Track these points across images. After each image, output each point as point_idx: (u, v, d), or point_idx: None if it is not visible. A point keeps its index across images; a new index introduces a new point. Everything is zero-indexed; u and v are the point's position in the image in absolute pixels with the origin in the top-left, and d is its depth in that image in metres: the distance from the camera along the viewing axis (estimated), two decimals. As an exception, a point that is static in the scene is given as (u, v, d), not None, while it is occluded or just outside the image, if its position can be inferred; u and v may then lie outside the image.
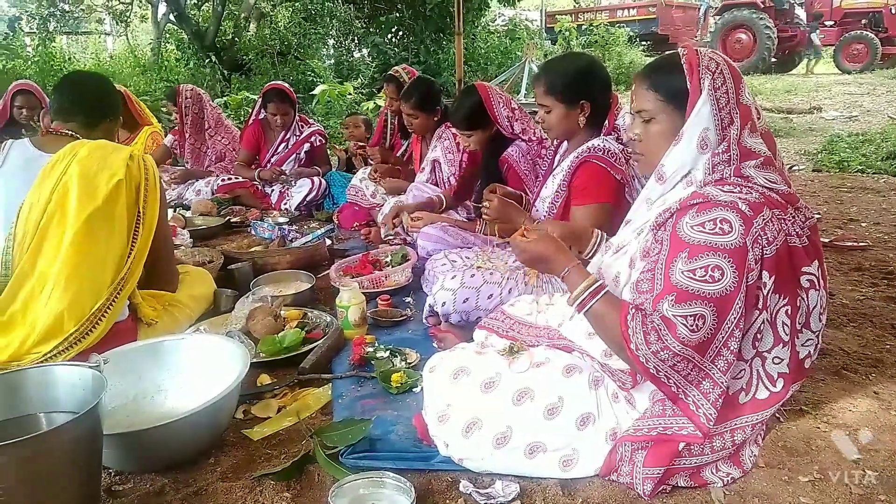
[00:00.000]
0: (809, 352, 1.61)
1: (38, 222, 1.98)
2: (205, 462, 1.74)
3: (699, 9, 18.58)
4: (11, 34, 10.96)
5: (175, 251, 3.01)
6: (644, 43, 16.83)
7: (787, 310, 1.53)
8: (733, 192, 1.47)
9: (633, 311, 1.44)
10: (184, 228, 3.92)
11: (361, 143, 4.62)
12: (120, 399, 1.88)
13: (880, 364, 2.16)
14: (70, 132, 2.20)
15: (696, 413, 1.46)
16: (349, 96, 9.64)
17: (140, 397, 1.94)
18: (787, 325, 1.53)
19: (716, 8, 17.31)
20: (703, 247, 1.41)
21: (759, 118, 1.58)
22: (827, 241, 3.52)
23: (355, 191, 4.08)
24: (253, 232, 3.75)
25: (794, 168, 5.84)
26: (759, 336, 1.51)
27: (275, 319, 2.44)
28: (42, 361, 1.90)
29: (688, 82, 1.53)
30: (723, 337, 1.43)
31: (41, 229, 1.98)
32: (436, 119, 3.71)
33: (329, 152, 5.29)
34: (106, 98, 2.36)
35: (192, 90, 4.98)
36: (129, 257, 2.08)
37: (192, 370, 1.99)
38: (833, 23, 15.33)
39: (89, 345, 1.98)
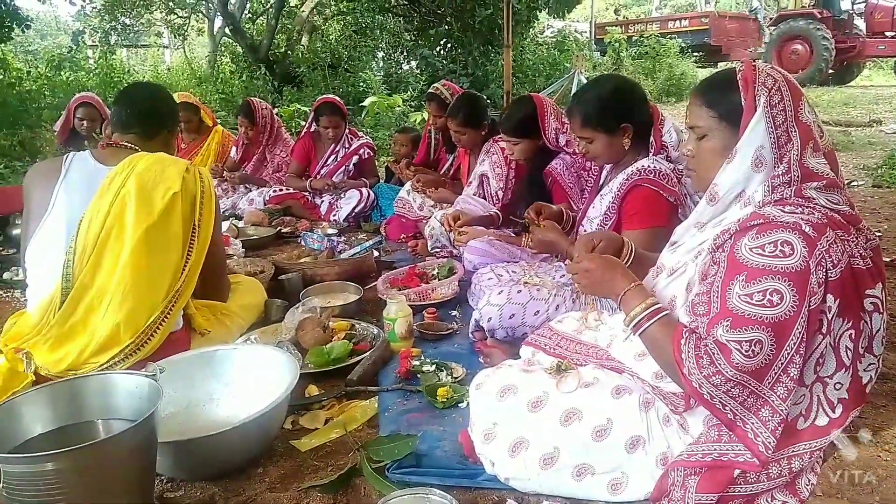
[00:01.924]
0: (871, 376, 1.55)
1: (98, 236, 2.02)
2: (254, 471, 1.77)
3: (755, 19, 18.25)
4: (75, 47, 11.40)
5: (227, 261, 3.09)
6: (696, 54, 16.57)
7: (851, 334, 1.48)
8: (795, 213, 1.43)
9: (687, 334, 1.41)
10: (236, 238, 4.01)
11: (409, 161, 4.64)
12: (173, 406, 1.93)
13: (946, 392, 2.07)
14: (129, 144, 2.25)
15: (754, 441, 1.41)
16: (398, 108, 9.73)
17: (193, 405, 1.98)
18: (850, 350, 1.48)
19: (771, 18, 16.97)
20: (761, 270, 1.37)
21: (821, 136, 1.53)
22: (888, 260, 3.39)
23: (403, 203, 4.10)
24: (303, 243, 3.81)
25: (853, 183, 5.64)
26: (821, 361, 1.46)
27: (323, 330, 2.47)
28: (99, 370, 1.95)
29: (742, 99, 1.50)
30: (782, 363, 1.38)
31: (100, 243, 2.02)
32: (483, 133, 3.72)
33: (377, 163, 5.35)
34: (162, 108, 2.40)
35: (265, 105, 5.12)
36: (183, 270, 2.13)
37: (243, 379, 2.02)
38: (894, 33, 14.84)
39: (145, 356, 2.03)
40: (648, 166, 2.22)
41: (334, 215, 4.62)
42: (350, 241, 3.98)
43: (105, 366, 1.98)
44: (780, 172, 1.48)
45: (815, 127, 1.52)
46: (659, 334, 1.47)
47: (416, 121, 8.98)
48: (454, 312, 2.86)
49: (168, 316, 2.09)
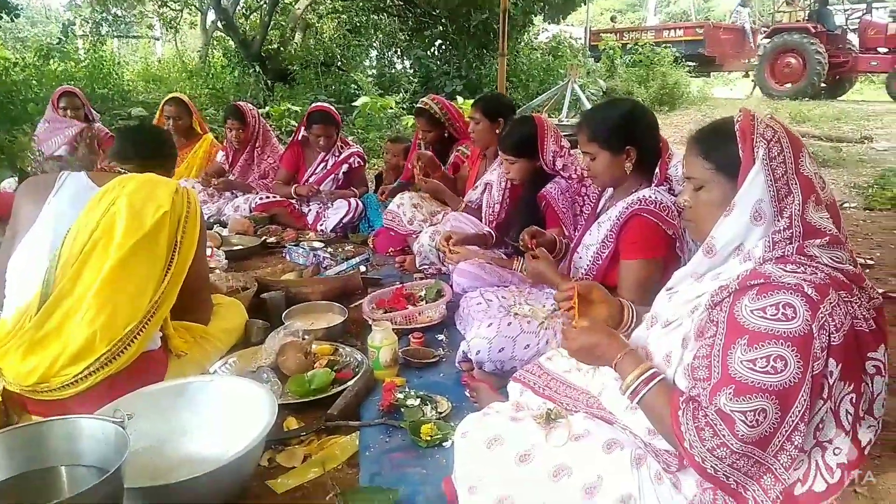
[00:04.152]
0: (871, 438, 1.49)
1: (83, 246, 2.00)
2: (227, 515, 1.70)
3: (743, 31, 18.33)
4: (64, 38, 11.22)
5: (210, 276, 3.01)
6: (690, 64, 16.58)
7: (852, 398, 1.42)
8: (797, 273, 1.37)
9: (685, 404, 1.35)
10: (219, 248, 3.92)
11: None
12: (145, 441, 1.84)
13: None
14: (124, 171, 2.27)
15: (754, 509, 1.36)
16: (390, 110, 9.64)
17: (166, 439, 1.90)
18: (850, 414, 1.42)
19: (766, 29, 17.03)
20: (764, 334, 1.31)
21: (823, 189, 1.48)
22: (882, 291, 3.35)
23: (392, 216, 4.02)
24: (287, 257, 3.72)
25: (845, 204, 5.62)
26: (820, 426, 1.40)
27: (305, 356, 2.39)
28: (72, 381, 1.92)
29: (740, 150, 1.44)
30: (786, 431, 1.32)
31: (85, 254, 2.00)
32: (497, 132, 3.63)
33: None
34: (162, 149, 2.50)
35: (252, 109, 5.02)
36: (163, 282, 2.09)
37: (218, 412, 1.95)
38: (887, 50, 14.92)
39: (119, 367, 1.98)
40: (649, 197, 2.17)
41: (321, 225, 4.54)
42: (336, 254, 3.90)
43: (78, 376, 1.92)
44: (782, 227, 1.42)
45: (816, 179, 1.46)
46: (656, 402, 1.41)
47: (407, 125, 8.91)
48: (441, 337, 2.79)
49: (145, 328, 2.04)
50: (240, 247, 4.07)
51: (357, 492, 1.67)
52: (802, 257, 1.40)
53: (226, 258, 3.68)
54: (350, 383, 2.26)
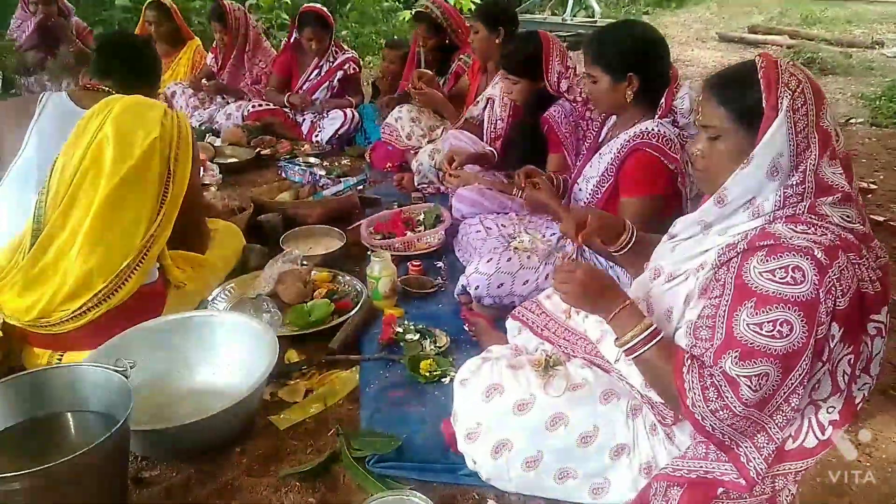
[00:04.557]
0: (864, 395, 1.52)
1: (72, 178, 1.95)
2: (232, 450, 1.74)
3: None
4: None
5: (205, 193, 2.97)
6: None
7: (850, 359, 1.43)
8: (807, 234, 1.34)
9: (689, 361, 1.35)
10: (213, 160, 3.84)
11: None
12: (145, 374, 1.86)
13: (929, 384, 2.07)
14: (106, 88, 2.16)
15: (746, 466, 1.39)
16: (385, 3, 9.22)
17: (166, 373, 1.93)
18: (846, 374, 1.44)
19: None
20: (772, 297, 1.30)
21: (838, 142, 1.42)
22: (882, 219, 3.34)
23: (390, 130, 3.91)
24: (283, 174, 3.64)
25: (851, 120, 5.50)
26: (816, 386, 1.42)
27: (304, 285, 2.39)
28: (71, 317, 1.91)
29: (764, 100, 1.37)
30: (785, 393, 1.34)
31: (74, 186, 1.95)
32: (497, 41, 3.47)
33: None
34: (145, 63, 2.35)
35: (238, 8, 4.76)
36: (158, 215, 2.05)
37: (220, 346, 1.97)
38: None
39: (118, 302, 1.97)
40: (651, 129, 2.10)
41: (317, 135, 4.43)
42: (332, 170, 3.82)
43: (77, 311, 1.92)
44: (795, 182, 1.37)
45: (833, 133, 1.41)
46: (657, 360, 1.41)
47: (404, 19, 8.53)
48: (439, 264, 2.79)
49: (142, 262, 2.01)
50: (234, 159, 3.98)
51: (360, 435, 1.70)
52: (813, 216, 1.37)
53: (220, 172, 3.61)
54: (350, 315, 2.27)
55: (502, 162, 3.21)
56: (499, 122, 3.34)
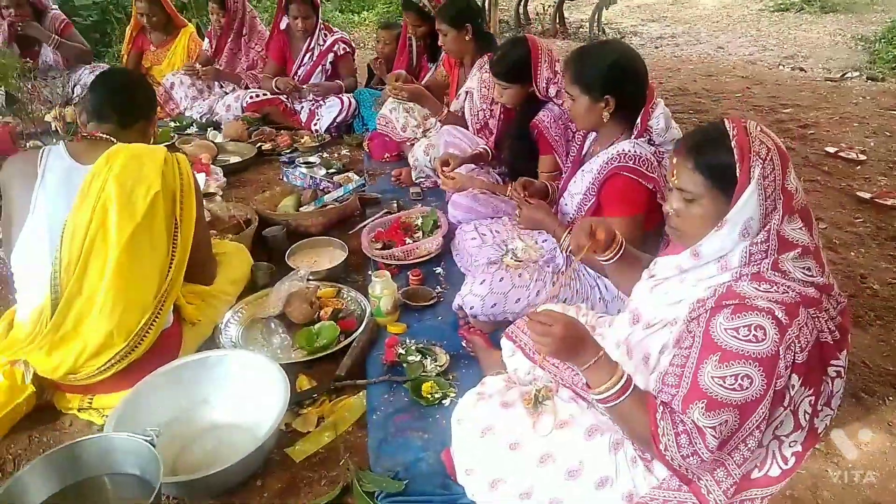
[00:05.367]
0: (826, 424, 1.66)
1: (83, 245, 2.03)
2: (252, 485, 1.91)
3: None
4: None
5: (211, 204, 3.07)
6: None
7: (811, 399, 1.56)
8: (770, 293, 1.45)
9: (662, 408, 1.49)
10: (216, 159, 3.94)
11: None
12: (171, 413, 2.04)
13: (900, 382, 2.20)
14: (105, 136, 2.19)
15: (706, 497, 1.55)
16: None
17: (188, 408, 2.09)
18: (808, 413, 1.57)
19: None
20: (734, 353, 1.43)
21: (798, 197, 1.52)
22: (868, 196, 3.40)
23: (385, 121, 3.97)
24: (285, 179, 3.73)
25: (847, 76, 5.46)
26: (779, 425, 1.56)
27: (310, 306, 2.53)
28: (96, 373, 2.06)
29: (737, 168, 1.47)
30: (742, 436, 1.48)
31: (85, 252, 2.03)
32: (466, 38, 3.52)
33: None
34: (140, 98, 2.35)
35: None
36: (169, 268, 2.15)
37: (235, 382, 2.12)
38: None
39: (139, 355, 2.10)
40: (628, 151, 2.19)
41: (315, 124, 4.49)
42: (332, 164, 3.90)
43: (102, 367, 2.05)
44: (760, 241, 1.48)
45: (795, 191, 1.51)
46: (629, 409, 1.54)
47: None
48: (438, 270, 2.91)
49: (159, 315, 2.14)
50: (236, 157, 4.07)
51: (370, 478, 1.86)
52: (776, 273, 1.48)
53: (223, 175, 3.70)
54: (355, 335, 2.41)
55: (496, 159, 3.30)
56: (480, 112, 3.41)
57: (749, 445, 1.50)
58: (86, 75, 5.10)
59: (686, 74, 5.97)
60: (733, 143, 1.47)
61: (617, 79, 2.20)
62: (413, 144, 3.81)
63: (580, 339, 1.59)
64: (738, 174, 1.45)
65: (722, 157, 1.48)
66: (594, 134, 2.45)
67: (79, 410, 2.16)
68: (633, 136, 2.25)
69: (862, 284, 2.71)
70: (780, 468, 1.62)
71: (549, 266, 2.49)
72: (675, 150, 1.60)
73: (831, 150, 4.07)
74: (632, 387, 1.55)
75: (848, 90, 5.09)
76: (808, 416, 1.57)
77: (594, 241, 1.86)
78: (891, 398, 2.15)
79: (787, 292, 1.46)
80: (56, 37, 4.98)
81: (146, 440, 1.60)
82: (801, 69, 6.23)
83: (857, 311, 2.53)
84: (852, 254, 2.97)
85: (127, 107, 2.28)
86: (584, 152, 2.53)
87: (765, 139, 1.48)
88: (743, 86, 5.68)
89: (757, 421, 1.46)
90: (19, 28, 4.76)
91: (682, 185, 1.56)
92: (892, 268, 2.84)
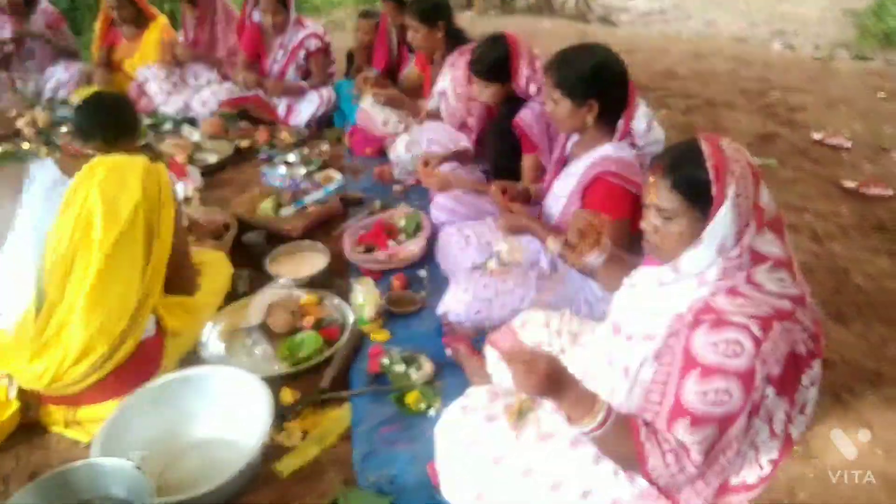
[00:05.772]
0: (801, 430, 1.69)
1: (65, 252, 2.08)
2: (241, 502, 1.92)
3: None
4: None
5: (187, 210, 3.05)
6: None
7: (786, 409, 1.59)
8: (744, 308, 1.47)
9: (646, 429, 1.51)
10: (192, 157, 3.89)
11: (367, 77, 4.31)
12: (155, 431, 2.04)
13: (879, 380, 2.23)
14: (91, 153, 2.27)
15: (687, 505, 1.58)
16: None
17: (174, 423, 2.10)
18: (782, 422, 1.60)
19: None
20: (714, 368, 1.44)
21: (769, 211, 1.54)
22: (853, 185, 3.42)
23: (365, 116, 3.94)
24: (264, 180, 3.68)
25: (834, 57, 5.45)
26: (754, 434, 1.58)
27: (292, 315, 2.52)
28: (79, 380, 2.07)
29: (713, 186, 1.48)
30: (722, 447, 1.50)
31: (68, 259, 2.08)
32: (439, 36, 3.49)
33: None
34: (123, 119, 2.43)
35: None
36: (146, 274, 2.17)
37: (219, 398, 2.13)
38: None
39: (120, 361, 2.12)
40: (612, 155, 2.20)
41: (294, 120, 4.44)
42: (311, 161, 3.86)
43: (84, 374, 2.07)
44: (734, 255, 1.51)
45: (767, 207, 1.53)
46: (616, 435, 1.55)
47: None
48: (422, 272, 2.90)
49: (137, 321, 2.15)
50: (213, 154, 4.03)
51: (355, 494, 1.87)
52: (751, 286, 1.50)
53: (200, 174, 3.65)
54: (338, 345, 2.41)
55: (480, 156, 3.28)
56: (458, 112, 3.40)
57: (728, 456, 1.52)
58: (59, 72, 5.06)
59: (674, 56, 5.91)
60: (709, 164, 1.49)
61: (600, 83, 2.20)
62: (394, 140, 3.77)
63: (562, 372, 1.59)
64: (713, 193, 1.47)
65: (698, 175, 1.50)
66: (576, 136, 2.44)
67: (65, 426, 2.17)
68: (615, 139, 2.25)
69: (845, 278, 2.73)
70: (757, 475, 1.65)
71: (533, 270, 2.49)
72: (651, 168, 1.61)
73: (818, 136, 4.08)
74: (613, 415, 1.56)
75: (836, 71, 5.09)
76: (782, 425, 1.60)
77: (588, 237, 1.90)
78: (869, 394, 2.18)
79: (761, 306, 1.48)
80: (47, 32, 5.01)
81: (133, 465, 1.62)
82: (791, 47, 6.21)
83: (839, 307, 2.56)
84: (836, 246, 3.00)
85: (112, 128, 2.35)
86: (566, 152, 2.51)
87: (739, 157, 1.50)
88: (731, 67, 5.66)
89: (735, 433, 1.49)
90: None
91: (661, 204, 1.57)
92: (874, 260, 2.87)
